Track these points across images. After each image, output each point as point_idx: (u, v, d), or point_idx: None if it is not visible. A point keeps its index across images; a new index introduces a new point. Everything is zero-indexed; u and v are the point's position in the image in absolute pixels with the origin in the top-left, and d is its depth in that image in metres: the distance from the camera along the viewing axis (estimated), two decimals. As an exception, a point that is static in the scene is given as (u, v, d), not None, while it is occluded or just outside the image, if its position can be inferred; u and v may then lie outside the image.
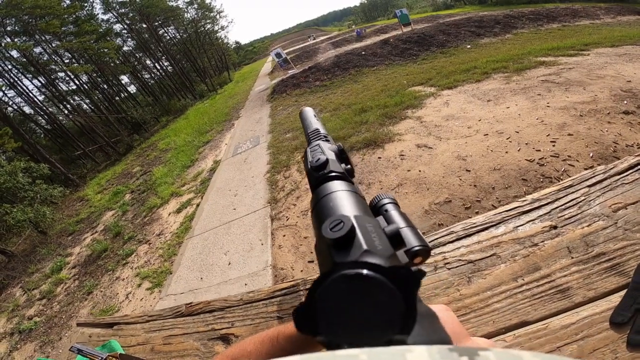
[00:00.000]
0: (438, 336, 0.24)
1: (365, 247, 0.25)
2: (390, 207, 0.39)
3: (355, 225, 0.28)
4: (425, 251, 0.32)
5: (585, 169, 2.99)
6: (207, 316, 0.96)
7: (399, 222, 0.36)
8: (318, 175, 0.43)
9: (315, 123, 0.62)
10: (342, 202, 0.36)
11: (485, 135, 4.23)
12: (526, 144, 3.76)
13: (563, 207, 0.83)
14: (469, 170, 3.61)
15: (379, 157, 4.51)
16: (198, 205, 5.62)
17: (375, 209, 0.40)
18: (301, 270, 3.10)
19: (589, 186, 0.87)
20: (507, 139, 3.98)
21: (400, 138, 4.85)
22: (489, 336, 0.64)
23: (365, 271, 0.22)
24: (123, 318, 1.10)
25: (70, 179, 13.13)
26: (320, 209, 0.37)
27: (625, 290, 0.64)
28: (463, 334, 0.30)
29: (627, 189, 0.83)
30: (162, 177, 7.88)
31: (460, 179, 3.52)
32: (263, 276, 3.21)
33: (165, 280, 3.94)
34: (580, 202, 0.83)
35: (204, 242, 4.34)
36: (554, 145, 3.59)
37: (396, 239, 0.30)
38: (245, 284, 3.21)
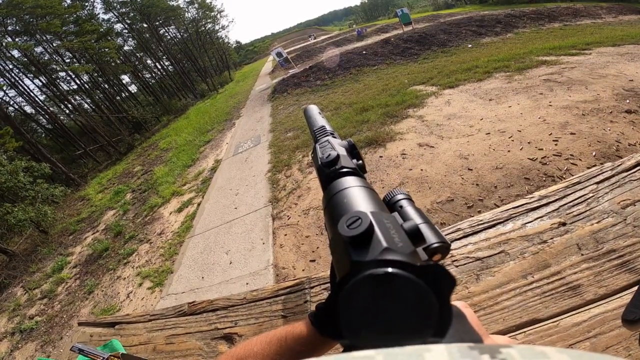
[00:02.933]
0: (470, 337, 0.23)
1: (385, 244, 0.24)
2: (405, 203, 0.38)
3: (373, 221, 0.26)
4: (444, 248, 0.31)
5: (588, 168, 2.98)
6: (210, 315, 0.95)
7: (416, 218, 0.35)
8: (329, 172, 0.42)
9: (320, 120, 0.61)
10: (356, 198, 0.35)
11: (487, 134, 4.22)
12: (528, 142, 3.75)
13: (571, 203, 0.82)
14: (471, 169, 3.59)
15: (381, 156, 4.49)
16: (199, 204, 5.62)
17: (390, 205, 0.39)
18: (303, 270, 3.09)
19: (597, 183, 0.86)
20: (509, 137, 3.96)
21: (402, 137, 4.84)
22: (499, 334, 0.63)
23: (394, 270, 0.21)
24: (125, 317, 1.09)
25: (72, 179, 13.14)
26: (334, 206, 0.36)
27: (636, 287, 0.62)
28: (481, 332, 0.29)
29: (635, 185, 0.82)
30: (163, 177, 7.87)
31: (462, 178, 3.50)
32: (264, 275, 3.20)
33: (167, 280, 3.94)
34: (589, 198, 0.82)
35: (205, 241, 4.34)
36: (556, 144, 3.58)
37: (416, 235, 0.29)
38: (247, 284, 3.20)
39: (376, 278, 0.21)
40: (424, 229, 0.32)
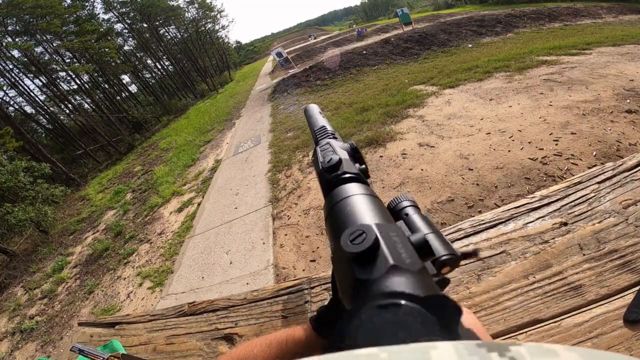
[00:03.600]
0: None
1: (392, 261, 0.23)
2: (410, 211, 0.37)
3: (379, 236, 0.25)
4: (453, 260, 0.29)
5: (589, 168, 2.98)
6: (210, 315, 0.95)
7: (423, 228, 0.33)
8: (331, 177, 0.40)
9: (321, 120, 0.59)
10: (360, 208, 0.34)
11: (487, 134, 4.21)
12: (529, 142, 3.75)
13: (573, 203, 0.82)
14: (472, 169, 3.59)
15: (381, 156, 4.49)
16: (199, 204, 5.61)
17: (395, 212, 0.38)
18: (303, 270, 3.09)
19: (598, 183, 0.85)
20: (510, 137, 3.96)
21: (402, 137, 4.83)
22: (500, 335, 0.63)
23: (402, 301, 0.20)
24: (125, 317, 1.08)
25: (72, 179, 13.14)
26: (337, 216, 0.35)
27: (638, 287, 0.62)
28: (483, 336, 0.28)
29: (637, 185, 0.81)
30: (163, 176, 7.87)
31: (463, 178, 3.50)
32: (265, 275, 3.20)
33: (167, 280, 3.93)
34: (590, 198, 0.82)
35: (205, 241, 4.33)
36: (557, 144, 3.57)
37: (423, 248, 0.28)
38: (247, 284, 3.20)
39: (382, 308, 0.20)
40: (432, 240, 0.30)
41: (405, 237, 0.28)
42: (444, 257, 0.29)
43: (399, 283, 0.21)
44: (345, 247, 0.25)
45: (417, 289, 0.21)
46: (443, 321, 0.20)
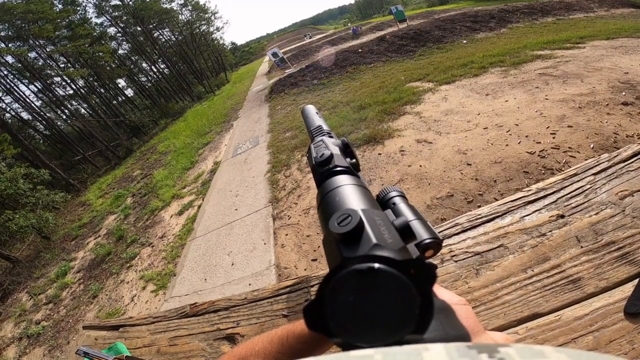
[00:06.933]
0: (456, 331, 0.23)
1: (374, 240, 0.24)
2: (398, 200, 0.39)
3: (364, 218, 0.26)
4: (436, 244, 0.32)
5: (586, 160, 2.99)
6: (212, 316, 0.95)
7: (408, 214, 0.35)
8: (323, 171, 0.42)
9: (317, 120, 0.62)
10: (348, 196, 0.35)
11: (485, 128, 4.22)
12: (526, 136, 3.76)
13: (569, 195, 0.82)
14: (470, 164, 3.60)
15: (379, 154, 4.50)
16: (199, 206, 5.62)
17: (383, 202, 0.40)
18: (305, 269, 3.09)
19: (594, 174, 0.85)
20: (507, 132, 3.97)
21: (400, 134, 4.84)
22: (500, 329, 0.63)
23: (376, 265, 0.21)
24: (128, 320, 1.09)
25: (71, 184, 13.14)
26: (327, 204, 0.36)
27: (638, 280, 0.62)
28: (477, 329, 0.29)
29: (633, 176, 0.81)
30: (162, 180, 7.87)
31: (462, 173, 3.51)
32: (267, 276, 3.20)
33: (170, 282, 3.94)
34: (587, 190, 0.82)
35: (206, 243, 4.34)
36: (554, 137, 3.58)
37: (406, 231, 0.29)
38: (249, 284, 3.20)
39: (360, 272, 0.21)
40: (415, 226, 0.33)
41: (389, 221, 0.29)
42: (426, 241, 0.31)
43: (377, 255, 0.23)
44: (333, 228, 0.26)
45: (393, 256, 0.22)
46: (417, 284, 0.21)
